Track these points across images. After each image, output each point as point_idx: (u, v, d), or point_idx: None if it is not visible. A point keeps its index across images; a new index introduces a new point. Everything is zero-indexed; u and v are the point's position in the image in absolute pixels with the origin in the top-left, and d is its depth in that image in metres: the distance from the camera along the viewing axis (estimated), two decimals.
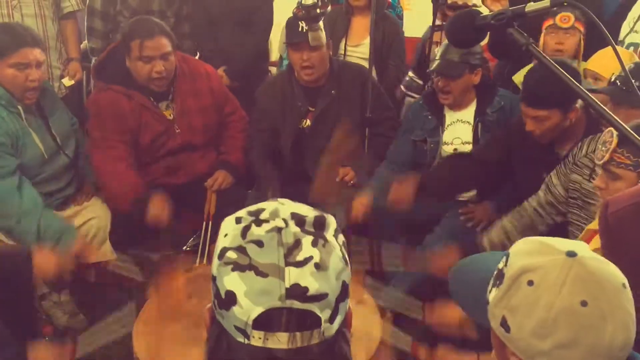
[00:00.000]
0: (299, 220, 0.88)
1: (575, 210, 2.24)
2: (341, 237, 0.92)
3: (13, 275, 2.38)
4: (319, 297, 0.84)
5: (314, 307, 0.84)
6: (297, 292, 0.83)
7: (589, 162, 2.18)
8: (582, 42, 2.82)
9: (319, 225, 0.89)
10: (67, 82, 3.26)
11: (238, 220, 0.89)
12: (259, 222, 0.88)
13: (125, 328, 2.12)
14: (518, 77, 2.85)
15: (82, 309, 2.84)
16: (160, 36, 2.70)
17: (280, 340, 0.84)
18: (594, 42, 2.81)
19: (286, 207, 0.90)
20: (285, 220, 0.87)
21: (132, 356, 2.02)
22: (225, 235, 0.89)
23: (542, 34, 2.84)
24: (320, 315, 0.85)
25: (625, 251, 1.22)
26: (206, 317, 0.93)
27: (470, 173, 2.66)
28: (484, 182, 2.74)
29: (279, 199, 0.93)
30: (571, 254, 0.96)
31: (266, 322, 0.83)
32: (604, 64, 2.59)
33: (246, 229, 0.87)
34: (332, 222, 0.92)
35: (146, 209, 2.64)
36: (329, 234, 0.90)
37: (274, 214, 0.88)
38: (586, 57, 2.81)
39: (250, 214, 0.90)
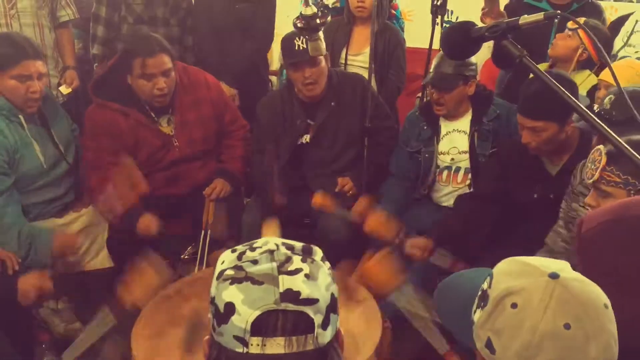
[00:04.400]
0: (289, 246, 0.99)
1: None
2: (327, 264, 1.00)
3: (10, 282, 2.38)
4: (311, 301, 0.92)
5: (307, 310, 0.91)
6: (290, 295, 0.91)
7: (583, 188, 2.15)
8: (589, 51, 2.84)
9: (307, 251, 1.00)
10: (65, 89, 3.27)
11: (233, 250, 1.00)
12: (252, 249, 0.98)
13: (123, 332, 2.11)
14: None
15: (80, 317, 2.82)
16: (161, 54, 2.72)
17: (277, 344, 0.89)
18: None
19: (276, 239, 1.01)
20: (276, 245, 0.98)
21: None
22: (222, 262, 0.98)
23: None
24: (314, 318, 0.91)
25: (600, 271, 1.19)
26: (205, 347, 0.99)
27: (479, 211, 2.62)
28: (496, 218, 2.64)
29: (268, 237, 1.03)
30: (553, 276, 0.97)
31: (263, 327, 0.90)
32: (618, 74, 2.58)
33: (242, 254, 0.98)
34: (318, 251, 1.01)
35: (136, 225, 2.66)
36: (317, 258, 0.99)
37: (265, 243, 0.99)
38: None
39: (243, 245, 1.00)
